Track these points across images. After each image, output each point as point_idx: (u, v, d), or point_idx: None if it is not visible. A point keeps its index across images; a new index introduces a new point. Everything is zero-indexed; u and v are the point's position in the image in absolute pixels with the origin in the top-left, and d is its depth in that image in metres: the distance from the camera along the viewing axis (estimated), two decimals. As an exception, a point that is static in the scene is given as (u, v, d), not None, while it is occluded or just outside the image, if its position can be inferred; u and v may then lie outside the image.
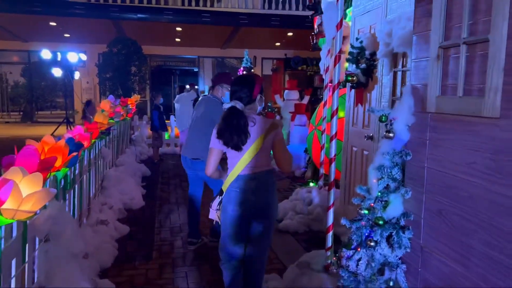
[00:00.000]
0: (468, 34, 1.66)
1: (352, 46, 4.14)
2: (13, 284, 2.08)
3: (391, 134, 2.21)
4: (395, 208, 2.24)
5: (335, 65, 2.62)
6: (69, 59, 10.60)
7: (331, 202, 2.83)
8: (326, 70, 5.04)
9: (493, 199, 1.52)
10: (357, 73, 4.07)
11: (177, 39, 15.92)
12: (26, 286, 2.30)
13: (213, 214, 2.74)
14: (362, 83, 4.05)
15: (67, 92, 13.88)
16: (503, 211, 1.47)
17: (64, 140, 2.66)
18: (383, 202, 2.31)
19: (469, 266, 1.66)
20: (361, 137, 4.16)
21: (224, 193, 2.60)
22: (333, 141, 2.76)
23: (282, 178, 7.46)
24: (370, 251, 2.26)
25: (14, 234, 2.06)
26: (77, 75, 13.18)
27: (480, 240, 1.59)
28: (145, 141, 10.38)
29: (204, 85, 17.60)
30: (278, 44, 17.00)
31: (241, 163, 2.47)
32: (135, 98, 9.48)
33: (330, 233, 2.87)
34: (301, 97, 8.72)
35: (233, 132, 2.40)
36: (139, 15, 12.58)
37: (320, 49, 5.41)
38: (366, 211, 2.37)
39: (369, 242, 2.27)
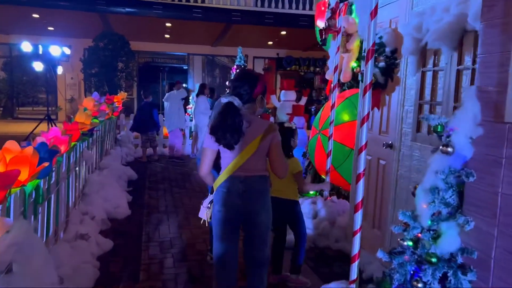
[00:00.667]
0: None
1: (369, 43, 3.69)
2: None
3: (449, 149, 1.75)
4: (449, 241, 1.78)
5: (367, 61, 2.17)
6: (52, 52, 9.94)
7: (357, 226, 2.37)
8: (335, 69, 4.59)
9: None
10: (374, 72, 3.61)
11: (167, 35, 15.36)
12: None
13: (203, 212, 2.63)
14: (380, 84, 3.60)
15: (49, 88, 13.20)
16: None
17: (34, 146, 2.14)
18: (432, 232, 1.85)
19: None
20: (377, 144, 3.71)
21: (214, 192, 2.50)
22: (362, 153, 2.30)
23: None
24: (420, 296, 1.80)
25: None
26: (60, 70, 12.48)
27: None
28: (131, 141, 9.81)
29: (193, 84, 17.04)
30: (270, 43, 16.55)
31: (233, 164, 2.36)
32: (121, 95, 8.93)
33: (356, 264, 2.41)
34: (298, 98, 8.29)
35: (226, 129, 2.28)
36: (127, 9, 11.99)
37: (325, 46, 4.97)
38: (410, 243, 1.91)
39: (416, 283, 1.81)
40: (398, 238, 1.97)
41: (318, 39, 6.82)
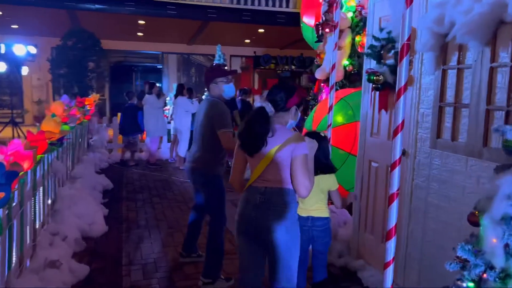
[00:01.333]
0: None
1: (375, 38, 3.33)
2: None
3: (530, 169, 1.37)
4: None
5: (401, 58, 1.79)
6: (16, 52, 9.24)
7: (390, 256, 1.99)
8: (333, 67, 4.21)
9: None
10: (382, 71, 3.25)
11: (139, 33, 14.70)
12: None
13: None
14: (389, 84, 3.24)
15: (13, 90, 12.36)
16: None
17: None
18: (500, 272, 1.48)
19: None
20: (386, 151, 3.35)
21: None
22: (396, 170, 1.92)
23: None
24: None
25: None
26: (25, 70, 11.70)
27: None
28: (105, 145, 9.21)
29: (168, 84, 16.43)
30: (247, 41, 16.13)
31: (254, 172, 2.26)
32: (93, 97, 8.32)
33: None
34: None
35: (250, 135, 2.21)
36: (97, 6, 11.29)
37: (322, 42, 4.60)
38: (471, 285, 1.53)
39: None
40: (454, 277, 1.59)
41: (308, 36, 6.46)
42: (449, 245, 2.67)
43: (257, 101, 7.95)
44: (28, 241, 3.23)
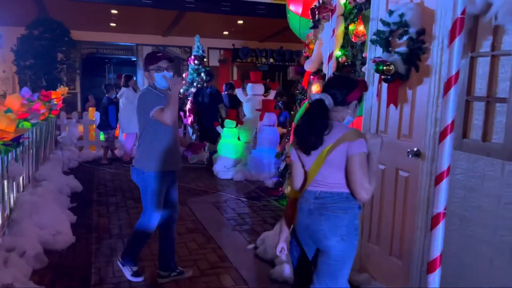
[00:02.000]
0: None
1: (384, 22, 2.90)
2: None
3: None
4: None
5: (453, 38, 1.36)
6: (-25, 41, 8.46)
7: (434, 291, 1.56)
8: (330, 57, 3.78)
9: None
10: (392, 60, 2.83)
11: (112, 24, 13.96)
12: None
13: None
14: (400, 75, 2.82)
15: (-26, 83, 11.50)
16: None
17: None
18: None
19: None
20: (395, 151, 2.95)
21: None
22: (444, 182, 1.50)
23: (249, 191, 6.13)
24: None
25: None
26: (-14, 62, 10.86)
27: None
28: (75, 143, 8.56)
29: (143, 77, 15.73)
30: (226, 33, 15.60)
31: (309, 175, 2.10)
32: (61, 90, 7.64)
33: None
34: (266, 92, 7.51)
35: (307, 130, 2.02)
36: (66, -7, 10.56)
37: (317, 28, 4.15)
38: None
39: None
40: None
41: (295, 25, 6.00)
42: (478, 263, 2.29)
43: (239, 95, 7.46)
44: (-26, 263, 2.69)
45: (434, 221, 1.53)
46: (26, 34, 11.81)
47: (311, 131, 1.99)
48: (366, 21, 3.59)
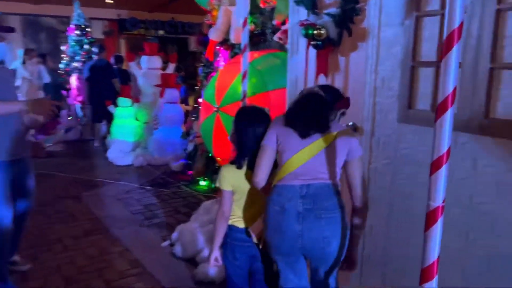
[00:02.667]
0: None
1: (309, -21, 2.53)
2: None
3: None
4: None
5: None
6: None
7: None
8: (245, 23, 3.32)
9: None
10: (322, 23, 2.49)
11: (-32, -12, 11.76)
12: None
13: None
14: (332, 40, 2.50)
15: None
16: None
17: None
18: None
19: None
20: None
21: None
22: (442, 170, 1.18)
23: (154, 177, 5.52)
24: None
25: None
26: None
27: None
28: None
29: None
30: (109, 1, 14.14)
31: (286, 164, 1.81)
32: None
33: None
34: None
35: (308, 114, 1.81)
36: None
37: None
38: None
39: None
40: None
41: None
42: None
43: (133, 68, 6.67)
44: None
45: (431, 217, 1.22)
46: None
47: (322, 109, 1.81)
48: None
